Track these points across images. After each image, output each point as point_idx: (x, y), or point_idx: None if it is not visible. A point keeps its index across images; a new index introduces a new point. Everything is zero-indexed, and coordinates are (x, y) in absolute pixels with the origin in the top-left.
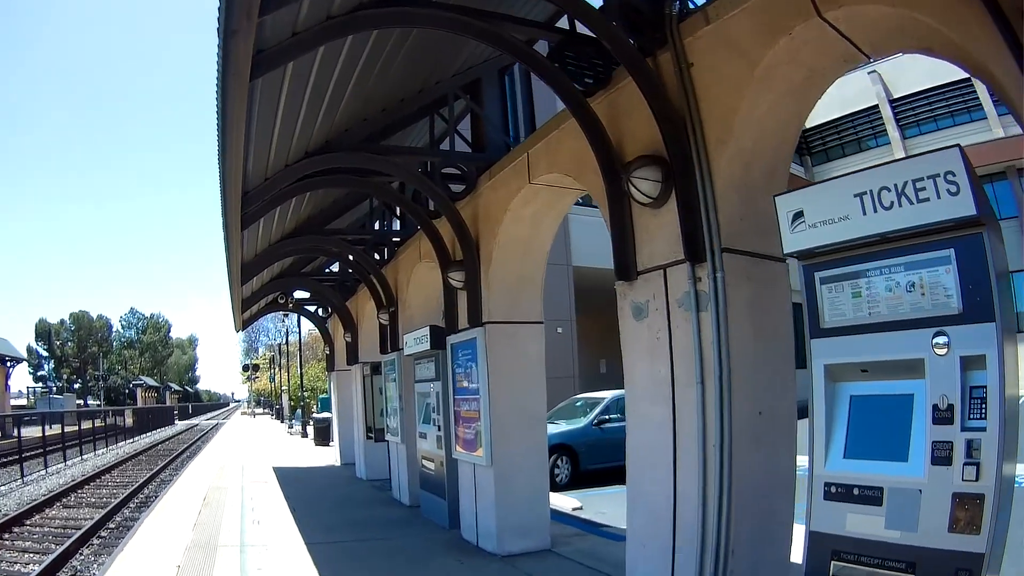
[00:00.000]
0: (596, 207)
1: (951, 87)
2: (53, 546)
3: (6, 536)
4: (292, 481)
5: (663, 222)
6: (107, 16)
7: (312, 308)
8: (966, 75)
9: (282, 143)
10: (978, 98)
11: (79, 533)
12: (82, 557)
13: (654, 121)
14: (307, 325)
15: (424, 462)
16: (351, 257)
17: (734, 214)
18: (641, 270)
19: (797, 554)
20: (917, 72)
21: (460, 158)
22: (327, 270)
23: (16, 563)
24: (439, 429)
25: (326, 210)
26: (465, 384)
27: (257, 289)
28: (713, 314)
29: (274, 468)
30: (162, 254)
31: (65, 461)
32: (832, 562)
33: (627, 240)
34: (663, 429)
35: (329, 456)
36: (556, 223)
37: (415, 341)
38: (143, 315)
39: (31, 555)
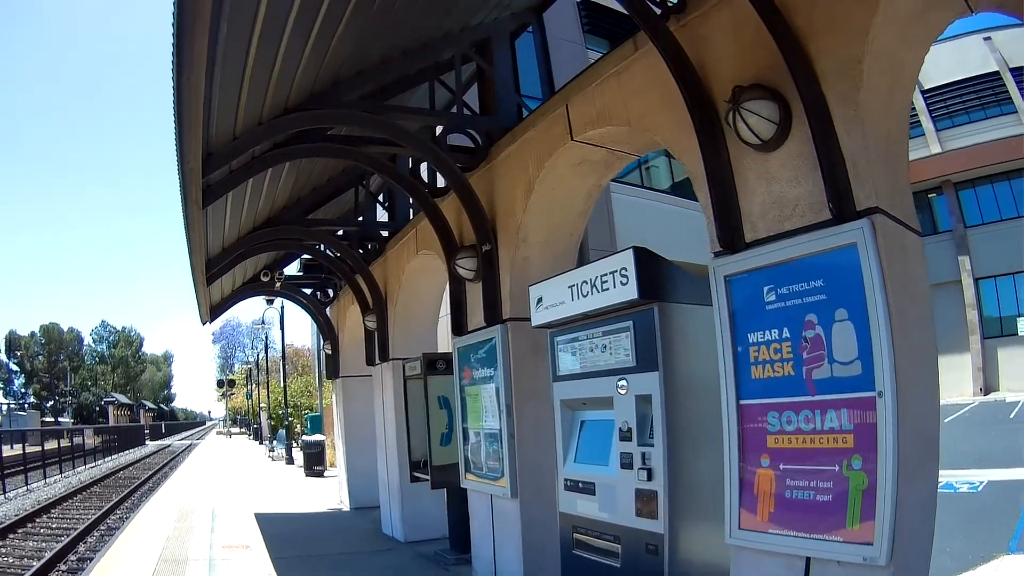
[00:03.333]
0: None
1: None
2: None
3: None
4: (289, 546)
5: None
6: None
7: (308, 290)
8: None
9: (255, 90)
10: (1008, 93)
11: None
12: None
13: None
14: (289, 334)
15: (584, 538)
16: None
17: None
18: None
19: None
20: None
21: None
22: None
23: None
24: (649, 477)
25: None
26: (788, 369)
27: (231, 244)
28: None
29: (257, 516)
30: (137, 272)
31: (4, 493)
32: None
33: None
34: None
35: (328, 494)
36: None
37: (576, 293)
38: (115, 328)
39: None
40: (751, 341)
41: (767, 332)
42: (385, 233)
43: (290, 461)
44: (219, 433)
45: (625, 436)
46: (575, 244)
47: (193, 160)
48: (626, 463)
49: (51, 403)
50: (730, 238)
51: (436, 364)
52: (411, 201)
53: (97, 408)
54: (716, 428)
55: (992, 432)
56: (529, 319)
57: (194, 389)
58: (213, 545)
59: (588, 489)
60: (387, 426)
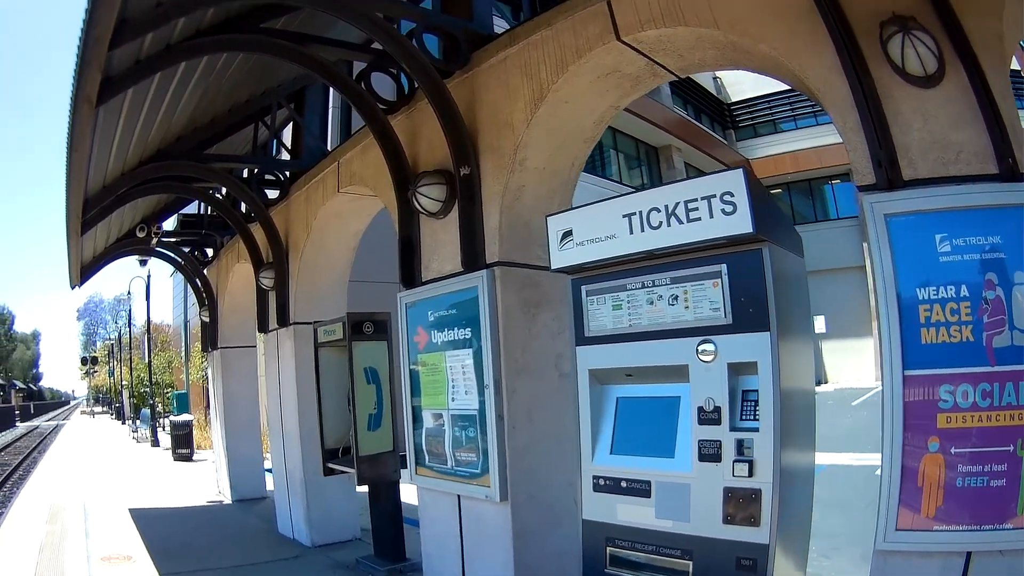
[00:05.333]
0: None
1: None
2: None
3: None
4: (177, 556)
5: None
6: None
7: (186, 249)
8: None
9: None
10: None
11: None
12: None
13: None
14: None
15: (627, 554)
16: None
17: None
18: None
19: None
20: None
21: None
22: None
23: None
24: (749, 472)
25: None
26: (967, 334)
27: (112, 181)
28: None
29: (133, 513)
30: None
31: None
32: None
33: None
34: None
35: (202, 482)
36: None
37: (640, 224)
38: None
39: None
40: (921, 298)
41: (943, 288)
42: (288, 174)
43: (155, 443)
44: (83, 413)
45: (709, 418)
46: (575, 177)
47: (106, 20)
48: (709, 454)
49: None
50: (887, 172)
51: (363, 327)
52: (317, 138)
53: None
54: (811, 412)
55: None
56: (521, 265)
57: (59, 368)
58: (91, 557)
59: (638, 490)
60: (286, 406)
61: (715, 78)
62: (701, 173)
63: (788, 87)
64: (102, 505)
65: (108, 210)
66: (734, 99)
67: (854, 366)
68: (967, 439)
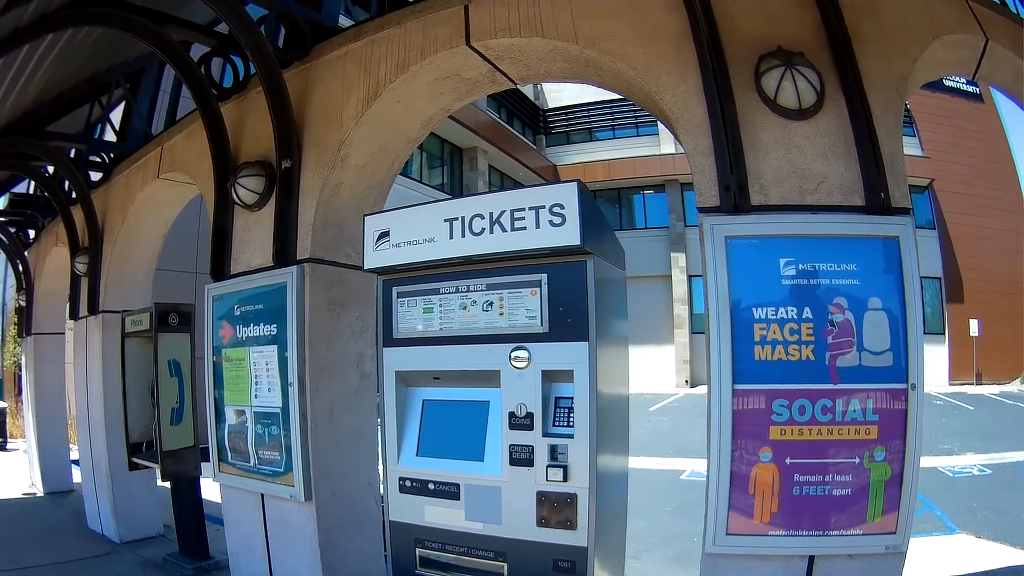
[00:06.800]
0: None
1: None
2: None
3: None
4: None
5: None
6: None
7: (13, 229)
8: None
9: None
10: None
11: None
12: None
13: None
14: None
15: (437, 555)
16: None
17: None
18: None
19: None
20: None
21: None
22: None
23: None
24: (564, 477)
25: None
26: (807, 354)
27: None
28: None
29: None
30: None
31: None
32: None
33: None
34: None
35: (17, 472)
36: None
37: (461, 229)
38: None
39: None
40: (757, 317)
41: (783, 309)
42: (112, 156)
43: None
44: None
45: (520, 424)
46: (392, 177)
47: None
48: (521, 458)
49: None
50: (734, 196)
51: (168, 318)
52: (144, 121)
53: None
54: (625, 419)
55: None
56: (331, 263)
57: None
58: None
59: (446, 492)
60: (92, 396)
61: (536, 84)
62: (504, 176)
63: (612, 97)
64: None
65: None
66: (552, 105)
67: (654, 372)
68: (804, 451)
